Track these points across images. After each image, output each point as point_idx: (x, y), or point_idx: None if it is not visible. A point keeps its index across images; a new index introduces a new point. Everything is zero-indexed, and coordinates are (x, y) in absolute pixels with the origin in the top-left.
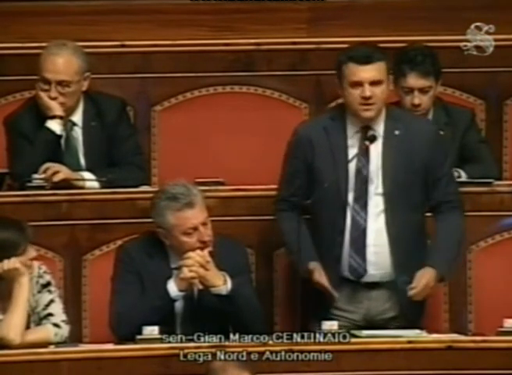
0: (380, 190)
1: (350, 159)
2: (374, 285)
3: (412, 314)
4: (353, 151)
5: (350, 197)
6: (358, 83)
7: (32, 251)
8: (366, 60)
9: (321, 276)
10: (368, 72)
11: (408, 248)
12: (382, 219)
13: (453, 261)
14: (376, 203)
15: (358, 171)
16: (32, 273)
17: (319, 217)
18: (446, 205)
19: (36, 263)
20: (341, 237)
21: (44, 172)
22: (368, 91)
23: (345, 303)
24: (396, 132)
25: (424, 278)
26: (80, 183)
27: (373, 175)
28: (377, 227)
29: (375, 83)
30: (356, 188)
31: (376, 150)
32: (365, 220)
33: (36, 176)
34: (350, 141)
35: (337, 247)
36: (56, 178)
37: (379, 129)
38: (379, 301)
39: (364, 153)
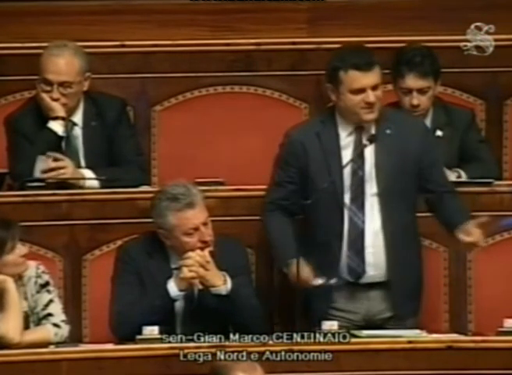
0: (375, 190)
1: (345, 165)
2: (372, 285)
3: (406, 312)
4: (347, 153)
5: (347, 198)
6: (361, 90)
7: (22, 249)
8: (367, 67)
9: (299, 271)
10: (369, 78)
11: (403, 248)
12: (377, 218)
13: None
14: (372, 204)
15: (354, 172)
16: (23, 271)
17: (315, 220)
18: (446, 194)
19: (34, 263)
20: (339, 239)
21: (53, 161)
22: (372, 96)
23: (344, 304)
24: (388, 131)
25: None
26: (80, 181)
27: (368, 176)
28: (374, 228)
29: (375, 87)
30: (352, 190)
31: (370, 150)
32: (363, 222)
33: (39, 163)
34: (343, 143)
35: (335, 249)
36: (60, 175)
37: (371, 129)
38: (378, 301)
39: (359, 154)
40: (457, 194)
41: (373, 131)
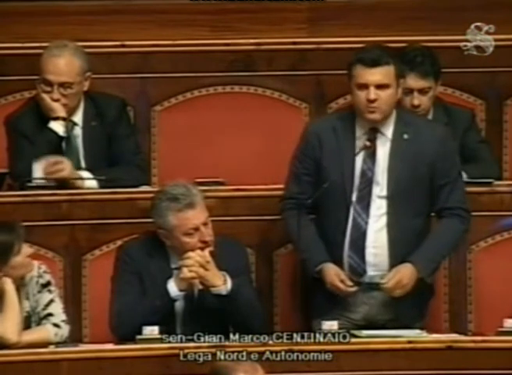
0: (384, 193)
1: (357, 152)
2: (374, 286)
3: (410, 316)
4: (360, 152)
5: (354, 198)
6: (364, 86)
7: (27, 249)
8: (373, 63)
9: (332, 277)
10: (374, 75)
11: (407, 252)
12: (383, 221)
13: (436, 263)
14: (378, 205)
15: (363, 173)
16: (31, 270)
17: (323, 216)
18: (447, 212)
19: (36, 263)
20: (343, 237)
21: (52, 165)
22: (372, 93)
23: (346, 302)
24: (405, 136)
25: (398, 274)
26: (80, 182)
27: (378, 177)
28: (377, 229)
29: (380, 86)
30: (360, 190)
31: (384, 153)
32: (366, 222)
33: (36, 168)
34: (357, 142)
35: (339, 246)
36: (59, 175)
37: (388, 132)
38: (379, 302)
39: (370, 155)
40: (462, 217)
41: (389, 134)
